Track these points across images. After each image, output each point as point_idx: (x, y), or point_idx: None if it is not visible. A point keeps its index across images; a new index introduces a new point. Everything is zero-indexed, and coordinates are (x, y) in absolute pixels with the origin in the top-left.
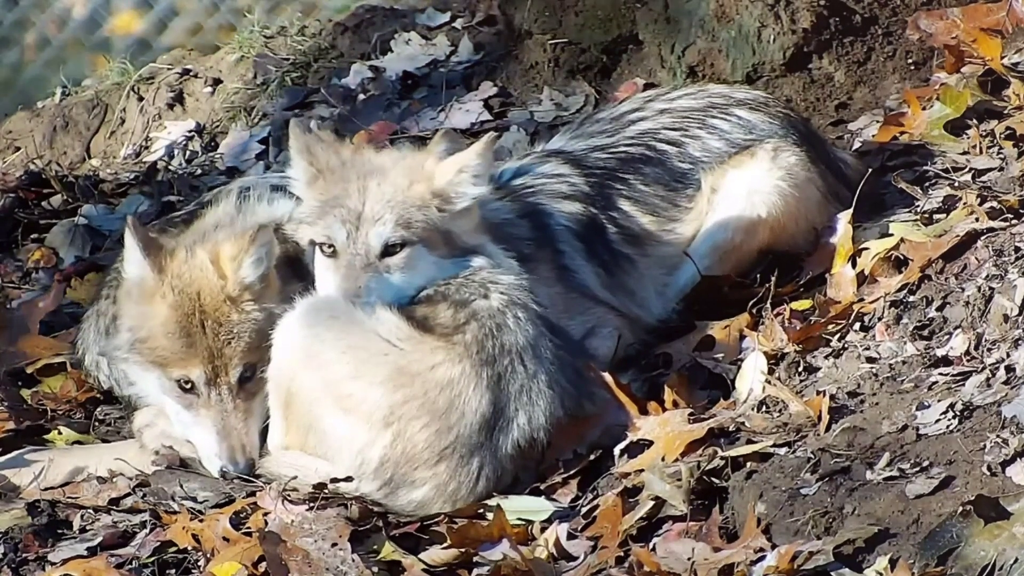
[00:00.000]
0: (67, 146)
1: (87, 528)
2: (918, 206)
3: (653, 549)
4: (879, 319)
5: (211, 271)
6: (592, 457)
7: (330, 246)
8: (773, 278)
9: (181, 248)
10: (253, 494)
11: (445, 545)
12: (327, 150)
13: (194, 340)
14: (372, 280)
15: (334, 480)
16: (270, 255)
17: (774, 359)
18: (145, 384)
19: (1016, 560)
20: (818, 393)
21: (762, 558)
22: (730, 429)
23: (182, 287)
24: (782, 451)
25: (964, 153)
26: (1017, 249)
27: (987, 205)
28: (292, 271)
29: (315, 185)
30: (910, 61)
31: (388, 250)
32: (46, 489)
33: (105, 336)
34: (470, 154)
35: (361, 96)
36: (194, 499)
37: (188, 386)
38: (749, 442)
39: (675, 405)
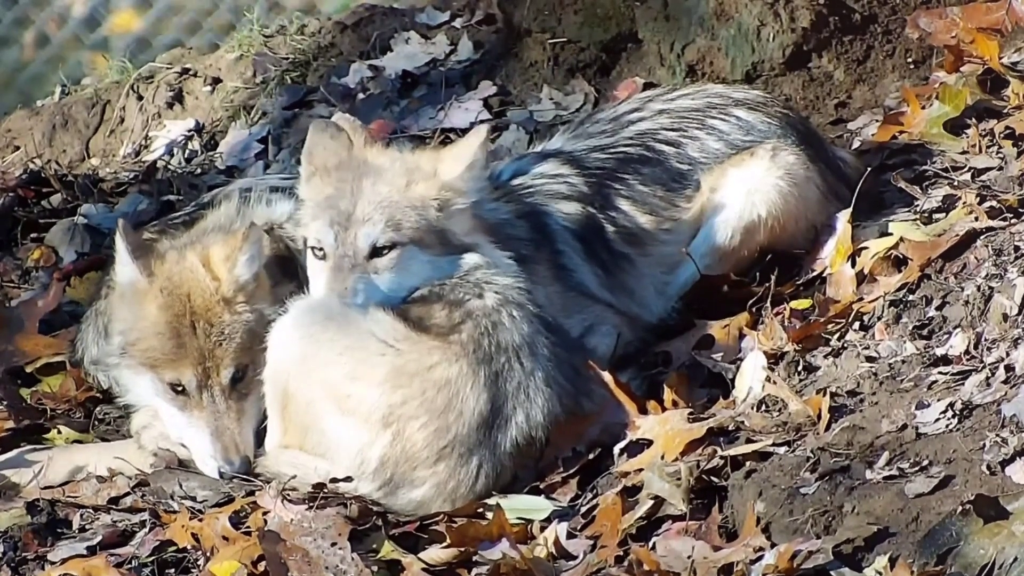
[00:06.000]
0: (66, 145)
1: (87, 527)
2: (917, 205)
3: (653, 548)
4: (878, 318)
5: (202, 273)
6: (591, 456)
7: (320, 248)
8: (773, 277)
9: (172, 251)
10: (252, 493)
11: (444, 544)
12: (328, 150)
13: (184, 342)
14: (359, 282)
15: (333, 480)
16: (260, 254)
17: (774, 358)
18: (138, 389)
19: (1015, 559)
20: (818, 392)
21: (761, 557)
22: (730, 428)
23: (172, 289)
24: (781, 450)
25: (963, 152)
26: (1016, 248)
27: (986, 204)
28: (283, 272)
29: (311, 185)
30: (909, 60)
31: (376, 251)
32: (45, 488)
33: (104, 336)
34: (472, 148)
35: (360, 95)
36: (193, 498)
37: (180, 388)
38: (749, 441)
39: (675, 404)
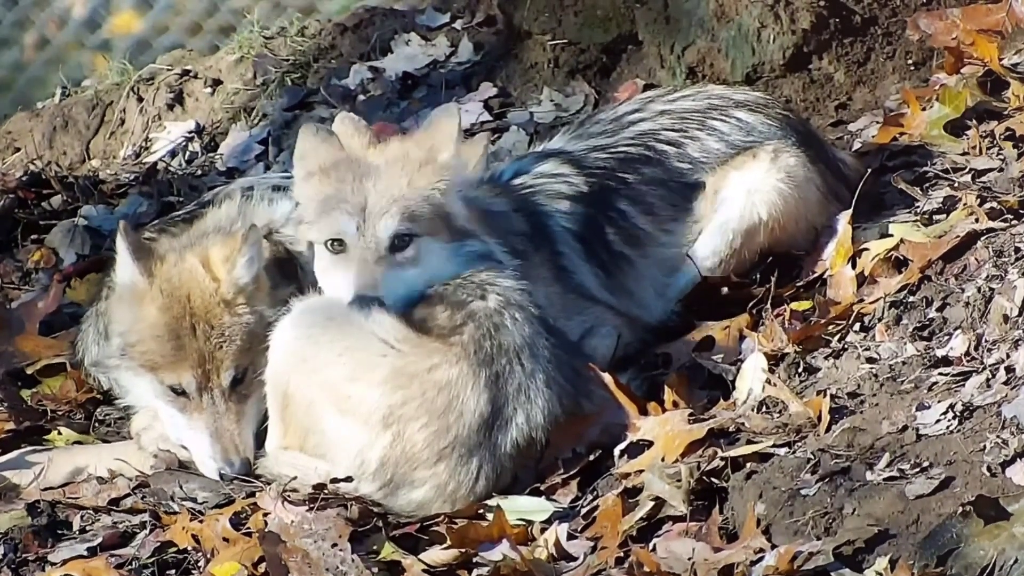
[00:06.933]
0: (67, 146)
1: (87, 528)
2: (918, 207)
3: (653, 549)
4: (879, 320)
5: (202, 274)
6: (592, 457)
7: (338, 241)
8: (773, 278)
9: (172, 252)
10: (253, 494)
11: (445, 545)
12: (321, 150)
13: (184, 344)
14: (387, 274)
15: (334, 480)
16: (260, 256)
17: (774, 359)
18: (137, 390)
19: (1016, 560)
20: (818, 393)
21: (762, 558)
22: (730, 429)
23: (171, 291)
24: (782, 451)
25: (964, 154)
26: (1017, 250)
27: (987, 206)
28: (282, 274)
29: (309, 185)
30: (910, 61)
31: (397, 243)
32: (46, 489)
33: (104, 337)
34: (453, 127)
35: (361, 96)
36: (194, 499)
37: (180, 390)
38: (749, 442)
39: (675, 405)
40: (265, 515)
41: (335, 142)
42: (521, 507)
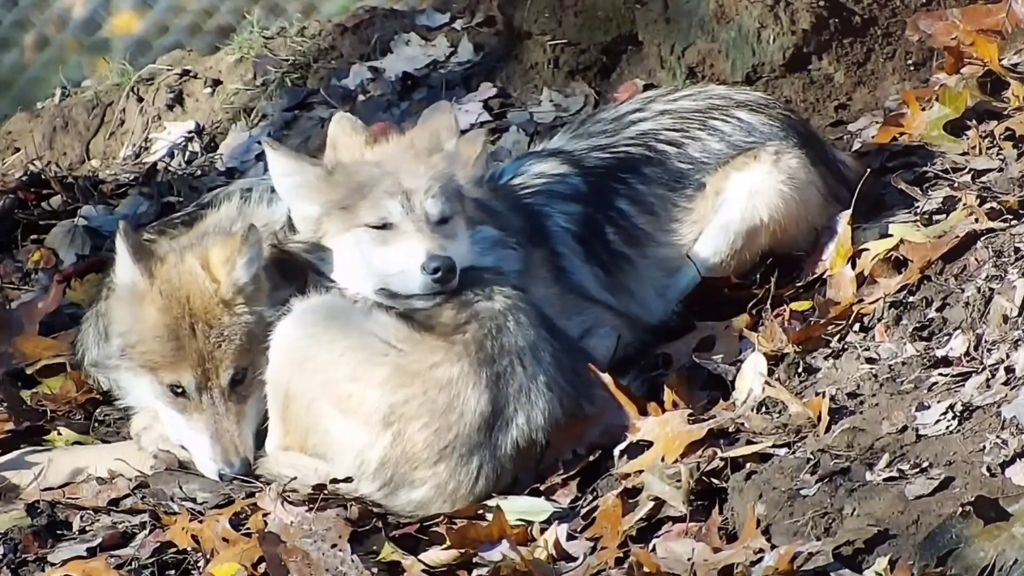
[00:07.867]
0: (67, 147)
1: (87, 529)
2: (918, 207)
3: (653, 550)
4: (879, 320)
5: (201, 275)
6: (592, 458)
7: (382, 222)
8: (773, 279)
9: (172, 253)
10: (253, 495)
11: (445, 546)
12: (353, 140)
13: (184, 344)
14: (446, 243)
15: (334, 481)
16: (259, 256)
17: (774, 360)
18: (137, 391)
19: (1015, 561)
20: (818, 394)
21: (761, 559)
22: (730, 430)
23: (171, 291)
24: (782, 452)
25: (963, 154)
26: (1017, 250)
27: (987, 206)
28: (281, 274)
29: (327, 182)
30: (910, 62)
31: (441, 217)
32: (46, 490)
33: (104, 338)
34: (450, 120)
35: (361, 97)
36: (193, 500)
37: (179, 390)
38: (749, 443)
39: (675, 406)
40: (265, 516)
41: (362, 135)
42: (521, 507)
